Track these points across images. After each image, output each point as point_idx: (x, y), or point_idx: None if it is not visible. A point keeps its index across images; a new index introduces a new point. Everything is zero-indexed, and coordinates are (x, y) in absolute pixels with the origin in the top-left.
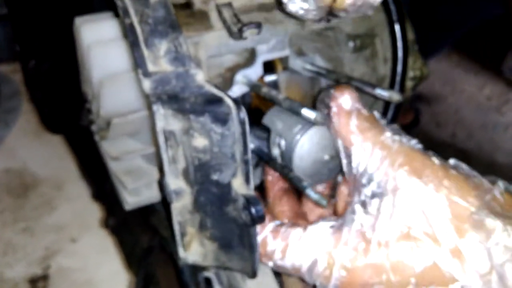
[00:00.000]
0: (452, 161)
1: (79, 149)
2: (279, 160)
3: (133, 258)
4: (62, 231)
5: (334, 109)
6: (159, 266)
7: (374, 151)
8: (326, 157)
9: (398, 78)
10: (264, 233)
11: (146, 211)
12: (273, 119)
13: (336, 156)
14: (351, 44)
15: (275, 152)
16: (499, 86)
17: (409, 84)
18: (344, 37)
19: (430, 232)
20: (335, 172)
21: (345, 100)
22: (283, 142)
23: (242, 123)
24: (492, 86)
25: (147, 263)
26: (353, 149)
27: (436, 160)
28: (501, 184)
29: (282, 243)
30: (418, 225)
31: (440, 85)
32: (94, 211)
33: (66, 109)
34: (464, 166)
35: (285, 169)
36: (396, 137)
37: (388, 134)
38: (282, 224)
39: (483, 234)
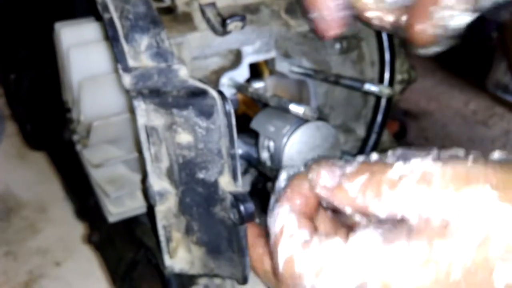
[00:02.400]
0: (496, 155)
1: (62, 165)
2: (268, 163)
3: (117, 274)
4: (46, 254)
5: (322, 193)
6: (144, 281)
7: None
8: (316, 157)
9: (386, 81)
10: (289, 248)
11: (130, 224)
12: (261, 122)
13: (328, 153)
14: (337, 46)
15: (264, 155)
16: (484, 101)
17: (397, 87)
18: (330, 39)
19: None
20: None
21: (324, 179)
22: (272, 144)
23: (228, 115)
24: (477, 101)
25: (132, 278)
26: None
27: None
28: None
29: (317, 261)
30: (500, 234)
31: (426, 101)
32: (79, 234)
33: (49, 123)
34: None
35: (274, 172)
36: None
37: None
38: (311, 238)
39: None
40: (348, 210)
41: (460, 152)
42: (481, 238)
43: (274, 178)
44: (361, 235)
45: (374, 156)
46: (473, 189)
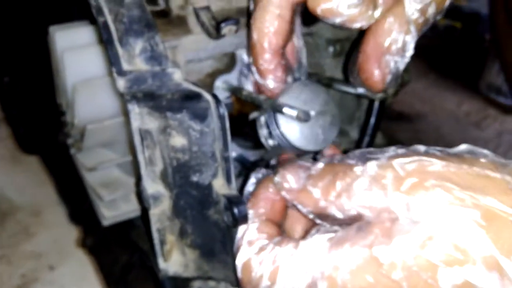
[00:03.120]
0: (463, 146)
1: (56, 169)
2: (270, 143)
3: (111, 278)
4: (39, 258)
5: (287, 197)
6: (139, 284)
7: (360, 210)
8: (312, 112)
9: None
10: (246, 254)
11: (124, 227)
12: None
13: (325, 111)
14: (331, 49)
15: (264, 132)
16: (477, 103)
17: (390, 90)
18: (323, 43)
19: (459, 244)
20: (333, 132)
21: (290, 181)
22: (266, 116)
23: (221, 118)
24: (470, 103)
25: (126, 281)
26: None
27: (436, 152)
28: None
29: (271, 266)
30: (443, 236)
31: (419, 103)
32: (73, 238)
33: (42, 127)
34: (478, 149)
35: (277, 151)
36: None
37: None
38: (267, 243)
39: None
40: (309, 214)
41: (421, 148)
42: (424, 238)
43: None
44: (311, 241)
45: (338, 157)
46: (423, 191)
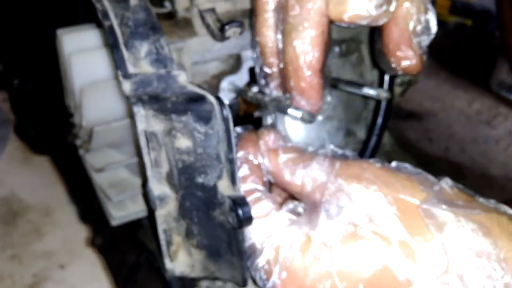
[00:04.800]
0: (393, 163)
1: (65, 169)
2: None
3: (120, 277)
4: (50, 257)
5: (262, 147)
6: (147, 284)
7: (305, 179)
8: (320, 117)
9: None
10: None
11: (132, 227)
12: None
13: (332, 116)
14: (337, 49)
15: (269, 121)
16: (488, 101)
17: (397, 90)
18: None
19: (379, 231)
20: (339, 136)
21: (271, 138)
22: (273, 116)
23: (225, 120)
24: (481, 101)
25: (135, 280)
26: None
27: (376, 164)
28: (448, 180)
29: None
30: (365, 225)
31: (430, 101)
32: (83, 237)
33: (52, 128)
34: (407, 165)
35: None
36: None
37: (319, 157)
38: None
39: (435, 227)
40: (267, 174)
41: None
42: (348, 222)
43: None
44: (278, 214)
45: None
46: (356, 181)
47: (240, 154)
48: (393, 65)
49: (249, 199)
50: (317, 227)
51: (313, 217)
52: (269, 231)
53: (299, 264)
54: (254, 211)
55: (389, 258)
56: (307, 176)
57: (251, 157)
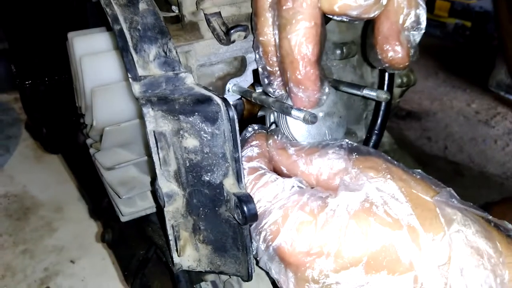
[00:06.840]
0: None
1: (76, 167)
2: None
3: (129, 271)
4: (61, 252)
5: (270, 143)
6: (155, 277)
7: (322, 168)
8: (321, 114)
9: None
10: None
11: (141, 223)
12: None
13: (332, 112)
14: (338, 51)
15: (271, 119)
16: (486, 101)
17: (397, 91)
18: (331, 46)
19: (391, 213)
20: (340, 133)
21: (278, 138)
22: (275, 114)
23: (231, 120)
24: (480, 101)
25: (143, 274)
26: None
27: (392, 161)
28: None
29: (252, 182)
30: (380, 205)
31: (429, 102)
32: (93, 232)
33: (64, 128)
34: (419, 171)
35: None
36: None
37: (335, 147)
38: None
39: (445, 220)
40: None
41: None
42: (364, 198)
43: None
44: (286, 181)
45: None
46: (374, 171)
47: (254, 142)
48: (379, 57)
49: (254, 175)
50: (338, 196)
51: (329, 192)
52: (277, 193)
53: (310, 226)
54: (261, 181)
55: (397, 239)
56: (324, 165)
57: (261, 147)
